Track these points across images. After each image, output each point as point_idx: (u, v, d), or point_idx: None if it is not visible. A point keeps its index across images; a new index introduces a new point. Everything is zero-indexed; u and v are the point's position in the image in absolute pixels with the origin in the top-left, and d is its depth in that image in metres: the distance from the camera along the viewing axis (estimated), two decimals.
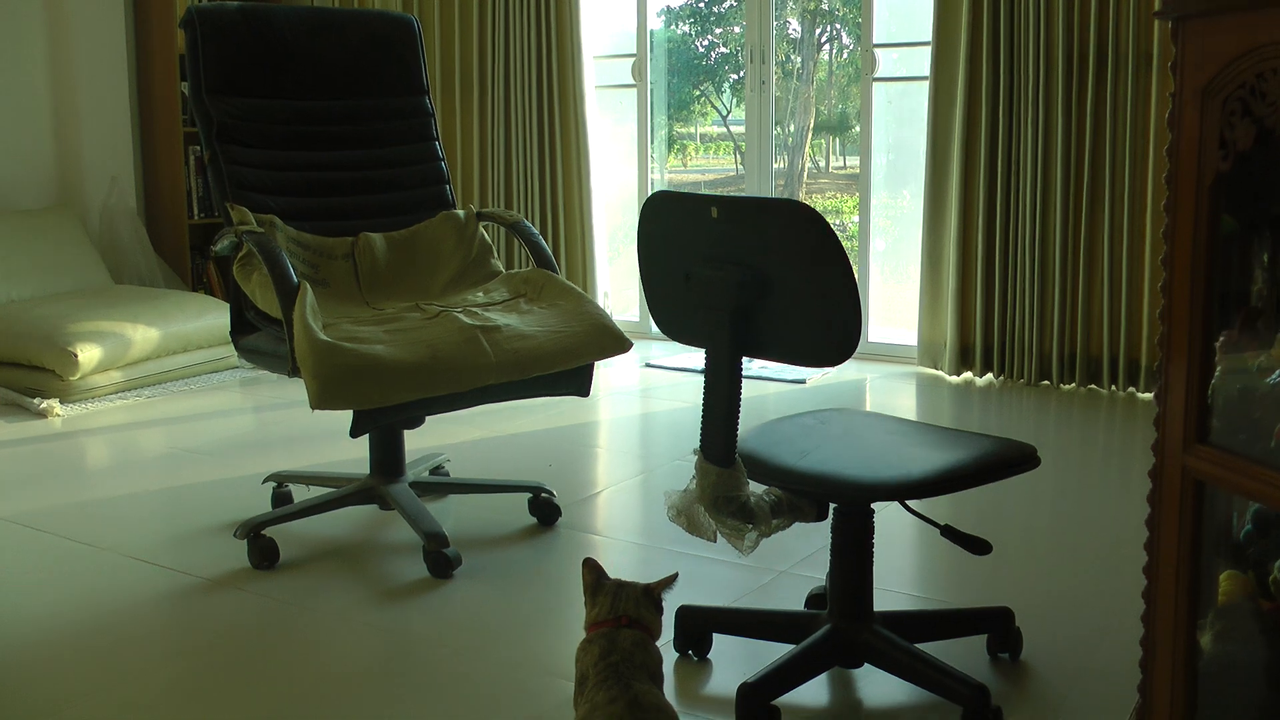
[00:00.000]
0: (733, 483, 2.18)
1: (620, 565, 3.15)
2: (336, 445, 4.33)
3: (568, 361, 3.05)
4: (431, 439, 4.27)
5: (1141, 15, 4.71)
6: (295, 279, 2.93)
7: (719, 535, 2.26)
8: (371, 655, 2.69)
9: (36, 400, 4.92)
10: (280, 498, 3.55)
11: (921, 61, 5.35)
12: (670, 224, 2.23)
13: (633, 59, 6.09)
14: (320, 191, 3.44)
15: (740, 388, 2.16)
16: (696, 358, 5.67)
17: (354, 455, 4.07)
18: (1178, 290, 1.63)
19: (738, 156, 10.59)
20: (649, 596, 2.04)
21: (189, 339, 5.37)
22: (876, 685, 2.49)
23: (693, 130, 10.19)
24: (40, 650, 2.71)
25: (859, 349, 5.63)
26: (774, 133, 5.88)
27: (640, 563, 3.19)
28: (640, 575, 2.30)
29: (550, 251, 3.40)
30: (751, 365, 5.44)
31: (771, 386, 4.95)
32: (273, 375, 5.49)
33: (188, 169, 6.34)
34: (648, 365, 5.63)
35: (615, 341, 3.15)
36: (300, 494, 3.56)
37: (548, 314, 3.15)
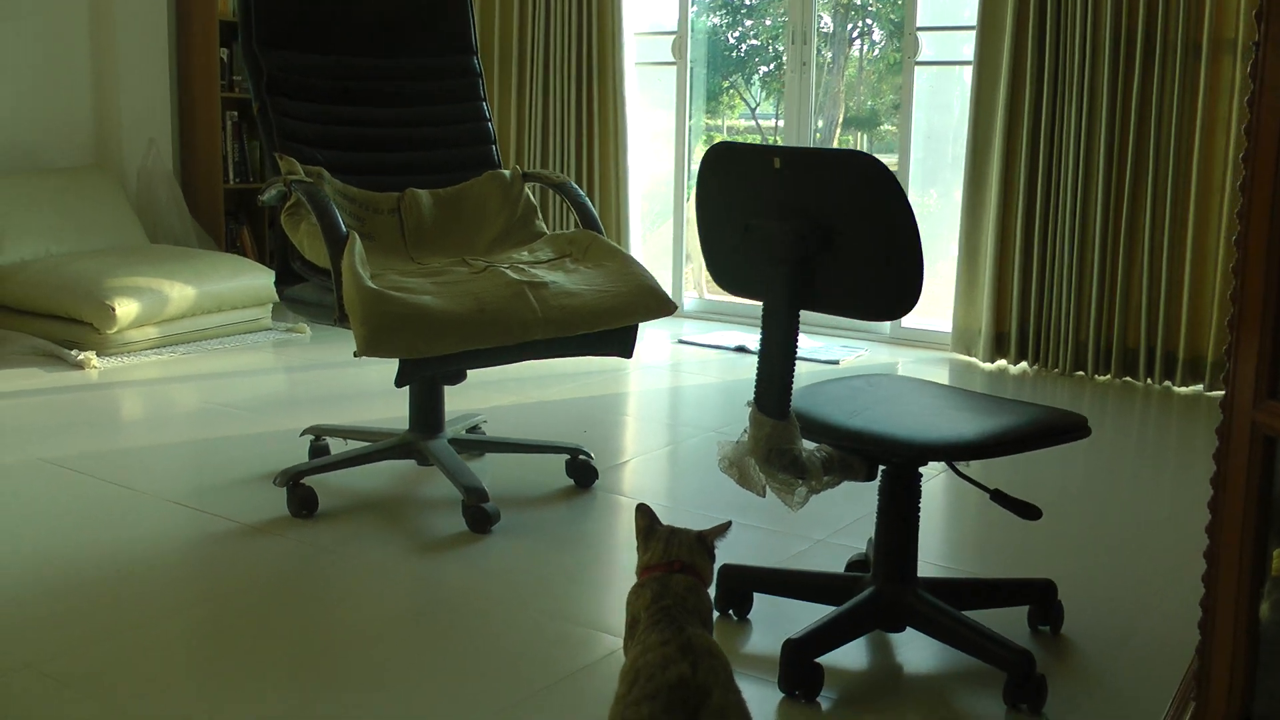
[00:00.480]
0: (786, 436, 2.16)
1: None
2: (369, 405, 4.33)
3: (613, 321, 3.04)
4: (465, 402, 4.26)
5: (1191, 3, 4.67)
6: (344, 228, 2.92)
7: (768, 490, 2.25)
8: (409, 603, 2.68)
9: (74, 351, 4.93)
10: (317, 450, 3.56)
11: (958, 48, 5.32)
12: (731, 175, 2.22)
13: (673, 36, 6.07)
14: (367, 146, 3.43)
15: (797, 340, 2.15)
16: (728, 336, 5.66)
17: (386, 415, 4.07)
18: (1253, 243, 1.60)
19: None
20: (702, 543, 2.03)
21: (224, 299, 5.37)
22: (917, 650, 2.48)
23: (720, 123, 10.17)
24: (80, 587, 2.71)
25: (891, 332, 5.65)
26: (815, 111, 5.86)
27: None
28: None
29: (596, 213, 3.38)
30: None
31: (804, 366, 4.90)
32: (305, 338, 5.50)
33: (224, 133, 6.34)
34: (680, 342, 5.62)
35: (660, 303, 3.13)
36: (337, 448, 3.56)
37: (594, 274, 3.14)
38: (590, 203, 3.38)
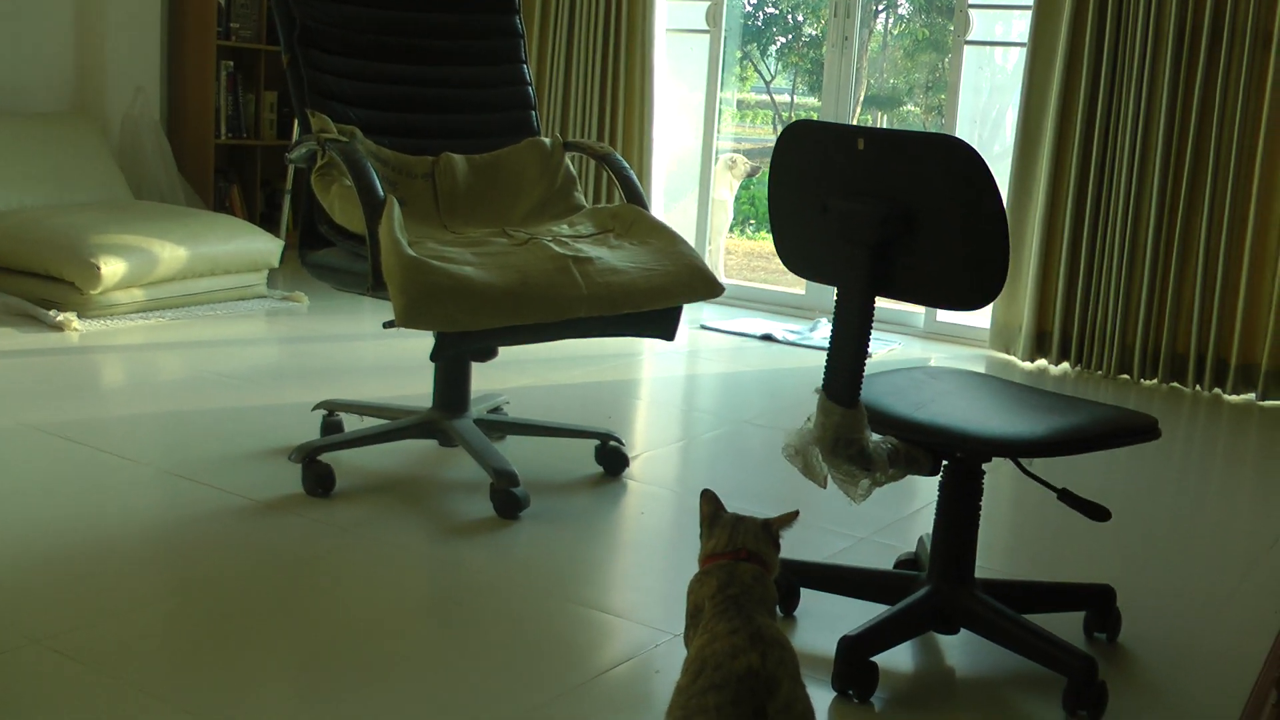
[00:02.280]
0: (855, 424, 2.28)
1: (693, 521, 3.26)
2: (372, 380, 4.45)
3: (658, 301, 3.16)
4: (481, 382, 4.37)
5: None
6: (382, 192, 3.02)
7: (830, 481, 2.36)
8: (431, 590, 2.80)
9: (51, 312, 5.01)
10: (330, 426, 3.66)
11: (991, 27, 5.43)
12: (809, 154, 2.33)
13: (709, 3, 6.17)
14: (402, 106, 3.54)
15: (871, 326, 2.26)
16: (752, 323, 5.78)
17: (393, 392, 4.18)
18: None
19: (777, 126, 10.66)
20: (768, 531, 2.13)
21: (217, 262, 5.47)
22: (970, 653, 2.60)
23: (730, 95, 10.29)
24: (84, 561, 2.81)
25: (925, 326, 5.78)
26: (854, 90, 5.97)
27: None
28: None
29: (641, 188, 3.49)
30: (812, 336, 5.54)
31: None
32: (302, 308, 5.60)
33: (219, 84, 6.43)
34: (702, 327, 5.75)
35: (707, 285, 3.25)
36: (350, 425, 3.66)
37: (639, 251, 3.25)
38: (635, 176, 3.49)
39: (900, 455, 2.36)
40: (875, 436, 2.36)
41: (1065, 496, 2.44)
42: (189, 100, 6.46)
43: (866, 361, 2.29)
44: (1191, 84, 4.96)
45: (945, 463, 2.48)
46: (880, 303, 2.29)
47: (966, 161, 2.09)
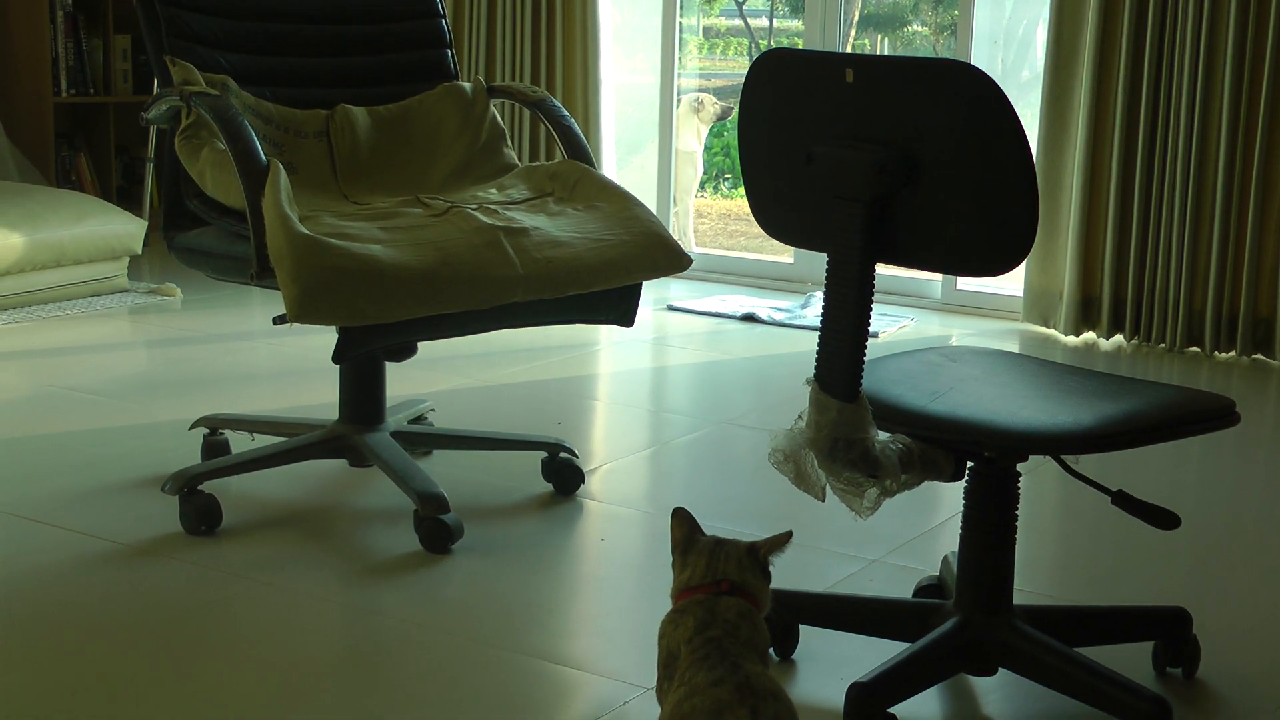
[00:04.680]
0: (856, 422, 2.29)
1: (665, 548, 3.27)
2: (267, 389, 4.46)
3: (611, 279, 3.16)
4: (400, 385, 4.36)
5: None
6: (264, 156, 3.02)
7: (829, 492, 2.37)
8: (346, 643, 2.81)
9: None
10: (213, 447, 3.66)
11: None
12: (788, 91, 2.34)
13: None
14: (286, 49, 3.54)
15: (871, 300, 2.28)
16: (730, 301, 5.80)
17: (295, 403, 4.18)
18: None
19: (753, 57, 10.66)
20: (754, 558, 2.15)
21: (64, 250, 5.45)
22: (1012, 699, 2.61)
23: (694, 21, 10.28)
24: None
25: (943, 298, 5.80)
26: (843, 10, 5.99)
27: None
28: None
29: (584, 140, 3.50)
30: (804, 314, 5.57)
31: None
32: (175, 302, 5.59)
33: (54, 27, 6.39)
34: (668, 308, 5.76)
35: (670, 256, 3.26)
36: (239, 445, 3.65)
37: (585, 217, 3.26)
38: (577, 126, 3.50)
39: (914, 457, 2.37)
40: (883, 435, 2.37)
41: (1121, 500, 2.45)
42: (17, 48, 6.41)
43: (870, 343, 2.31)
44: None
45: (970, 465, 2.50)
46: (887, 270, 2.30)
47: (979, 90, 2.10)
